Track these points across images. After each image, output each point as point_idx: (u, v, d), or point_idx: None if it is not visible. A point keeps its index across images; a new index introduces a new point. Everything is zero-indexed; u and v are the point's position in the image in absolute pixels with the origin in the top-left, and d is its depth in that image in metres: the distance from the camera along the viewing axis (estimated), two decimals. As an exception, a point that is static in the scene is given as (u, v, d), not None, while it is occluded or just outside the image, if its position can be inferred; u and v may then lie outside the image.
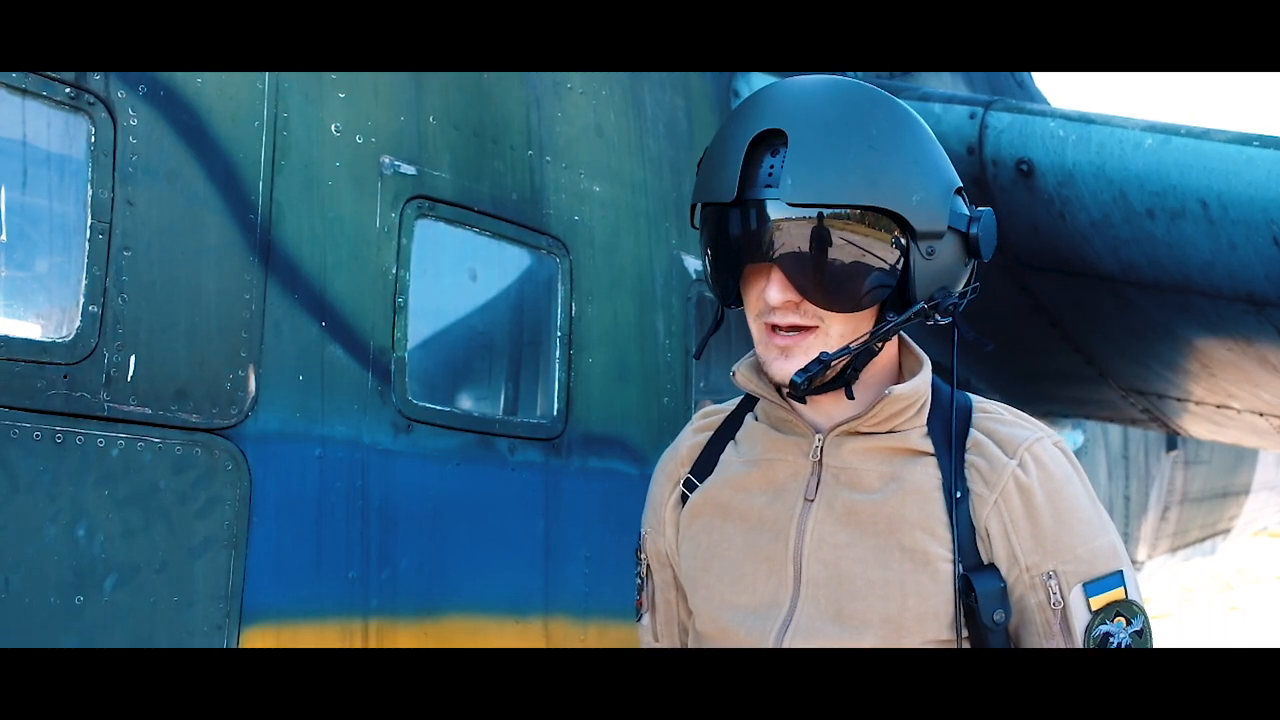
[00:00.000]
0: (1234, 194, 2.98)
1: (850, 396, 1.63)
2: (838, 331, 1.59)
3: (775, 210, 1.54)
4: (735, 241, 1.60)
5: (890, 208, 1.54)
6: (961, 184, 1.65)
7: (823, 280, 1.55)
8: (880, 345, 1.63)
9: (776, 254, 1.56)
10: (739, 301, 1.68)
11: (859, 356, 1.62)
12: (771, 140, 1.55)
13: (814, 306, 1.57)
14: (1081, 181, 3.21)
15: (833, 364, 1.58)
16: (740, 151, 1.56)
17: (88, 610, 2.03)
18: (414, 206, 2.57)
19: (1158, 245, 3.22)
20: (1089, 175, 3.19)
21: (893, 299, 1.60)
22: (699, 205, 1.65)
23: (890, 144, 1.56)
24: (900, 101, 1.63)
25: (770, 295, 1.57)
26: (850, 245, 1.54)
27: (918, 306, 1.59)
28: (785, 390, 1.62)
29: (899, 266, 1.57)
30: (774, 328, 1.60)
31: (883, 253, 1.56)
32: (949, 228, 1.59)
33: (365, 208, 2.49)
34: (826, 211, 1.53)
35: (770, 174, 1.54)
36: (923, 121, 1.64)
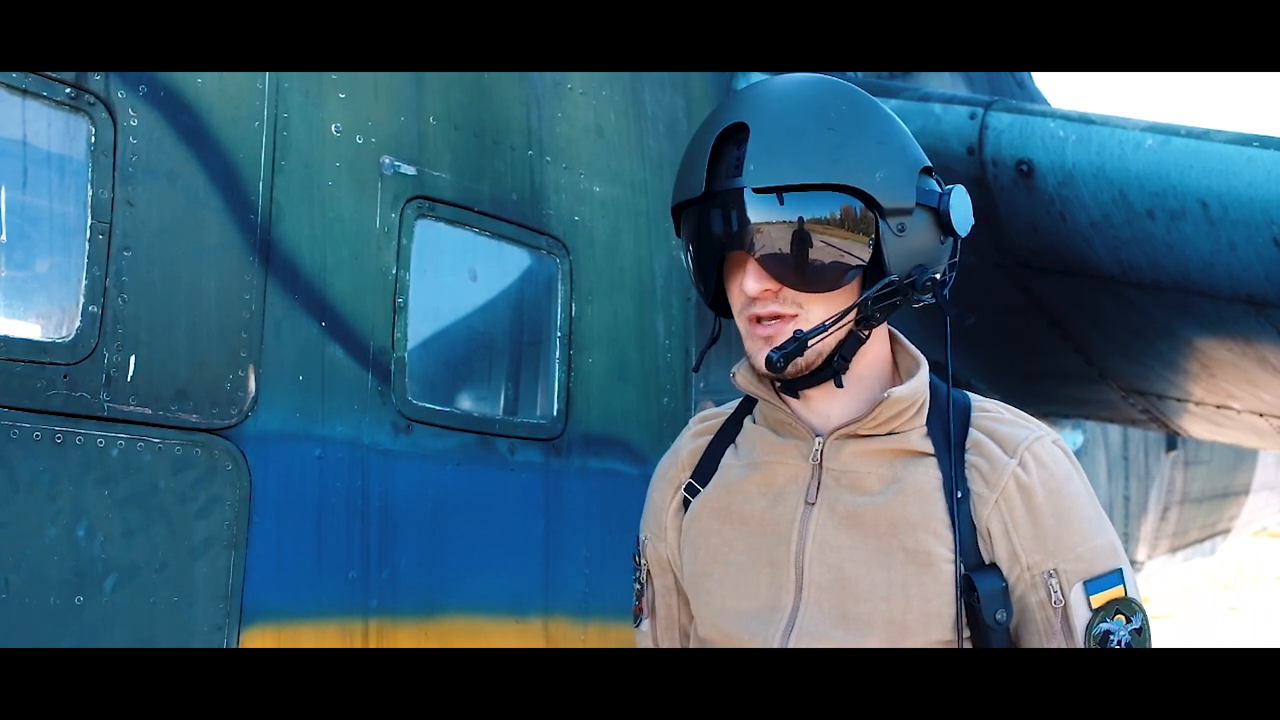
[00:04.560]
0: (1234, 194, 2.98)
1: (839, 385, 1.64)
2: (818, 316, 1.60)
3: (743, 198, 1.57)
4: (709, 236, 1.64)
5: (853, 184, 1.56)
6: (930, 164, 1.67)
7: (795, 263, 1.57)
8: (867, 333, 1.64)
9: (748, 242, 1.58)
10: (728, 310, 1.70)
11: (846, 344, 1.63)
12: (736, 135, 1.59)
13: (792, 293, 1.59)
14: (1081, 182, 3.21)
15: (811, 344, 1.59)
16: (707, 149, 1.60)
17: (88, 610, 2.03)
18: (414, 207, 2.57)
19: (1158, 246, 3.22)
20: (1089, 176, 3.19)
21: (870, 279, 1.61)
22: (680, 209, 1.69)
23: (849, 125, 1.58)
24: (863, 91, 1.65)
25: (747, 285, 1.60)
26: (819, 226, 1.57)
27: (890, 278, 1.60)
28: (771, 375, 1.63)
29: (870, 244, 1.59)
30: (758, 320, 1.62)
31: (852, 231, 1.58)
32: (918, 204, 1.61)
33: (365, 208, 2.49)
34: (793, 195, 1.56)
35: (736, 165, 1.58)
36: (886, 109, 1.66)
